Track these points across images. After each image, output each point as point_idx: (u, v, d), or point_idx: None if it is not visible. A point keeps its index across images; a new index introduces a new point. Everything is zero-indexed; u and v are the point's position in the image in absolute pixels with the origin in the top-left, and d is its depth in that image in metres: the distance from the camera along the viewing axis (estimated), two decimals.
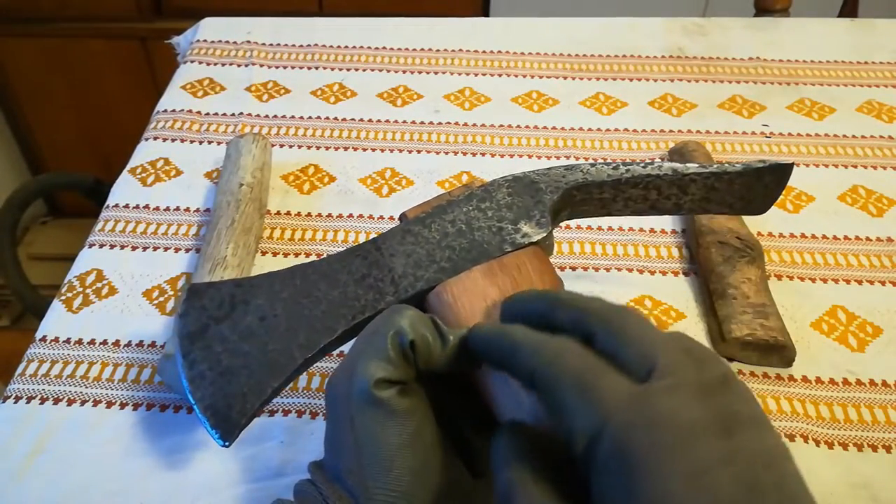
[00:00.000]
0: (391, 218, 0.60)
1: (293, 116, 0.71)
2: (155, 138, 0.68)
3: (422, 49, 0.81)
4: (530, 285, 0.35)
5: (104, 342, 0.50)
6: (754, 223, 0.57)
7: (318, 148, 0.67)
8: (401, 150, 0.67)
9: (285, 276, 0.37)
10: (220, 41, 0.81)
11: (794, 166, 0.45)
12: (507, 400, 0.30)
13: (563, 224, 0.47)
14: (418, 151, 0.67)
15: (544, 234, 0.38)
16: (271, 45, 0.81)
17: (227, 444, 0.33)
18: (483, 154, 0.67)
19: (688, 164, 0.43)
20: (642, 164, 0.42)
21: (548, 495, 0.23)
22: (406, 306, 0.30)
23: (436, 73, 0.77)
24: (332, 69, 0.78)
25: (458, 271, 0.36)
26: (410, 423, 0.28)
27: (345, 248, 0.38)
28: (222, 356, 0.34)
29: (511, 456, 0.25)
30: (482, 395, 0.32)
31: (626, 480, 0.21)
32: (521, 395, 0.29)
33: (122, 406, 0.46)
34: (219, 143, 0.67)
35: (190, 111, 0.71)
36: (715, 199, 0.44)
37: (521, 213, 0.39)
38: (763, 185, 0.44)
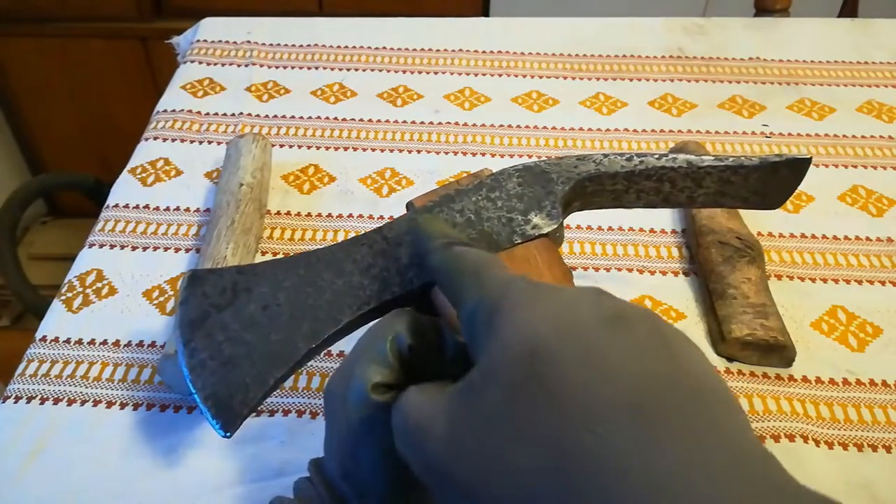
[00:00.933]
0: (391, 218, 0.59)
1: (293, 116, 0.71)
2: (155, 138, 0.68)
3: (422, 49, 0.81)
4: (540, 278, 0.35)
5: (104, 342, 0.50)
6: (754, 223, 0.57)
7: (318, 148, 0.67)
8: (401, 150, 0.67)
9: (289, 264, 0.36)
10: (220, 41, 0.81)
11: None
12: None
13: (563, 223, 0.46)
14: (418, 151, 0.67)
15: (555, 226, 0.37)
16: (271, 45, 0.81)
17: (228, 434, 0.32)
18: (483, 154, 0.67)
19: (703, 157, 0.42)
20: (656, 156, 0.41)
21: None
22: (408, 310, 0.30)
23: (436, 73, 0.77)
24: (332, 69, 0.78)
25: None
26: None
27: (349, 238, 0.38)
28: (224, 345, 0.33)
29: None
30: None
31: (492, 327, 0.23)
32: None
33: (122, 406, 0.46)
34: (219, 143, 0.67)
35: (190, 111, 0.71)
36: (730, 193, 0.43)
37: (531, 204, 0.38)
38: (779, 179, 0.43)
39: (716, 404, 0.19)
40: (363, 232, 0.59)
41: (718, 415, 0.19)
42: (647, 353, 0.20)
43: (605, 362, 0.20)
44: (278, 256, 0.56)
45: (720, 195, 0.43)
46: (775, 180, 0.43)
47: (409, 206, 0.41)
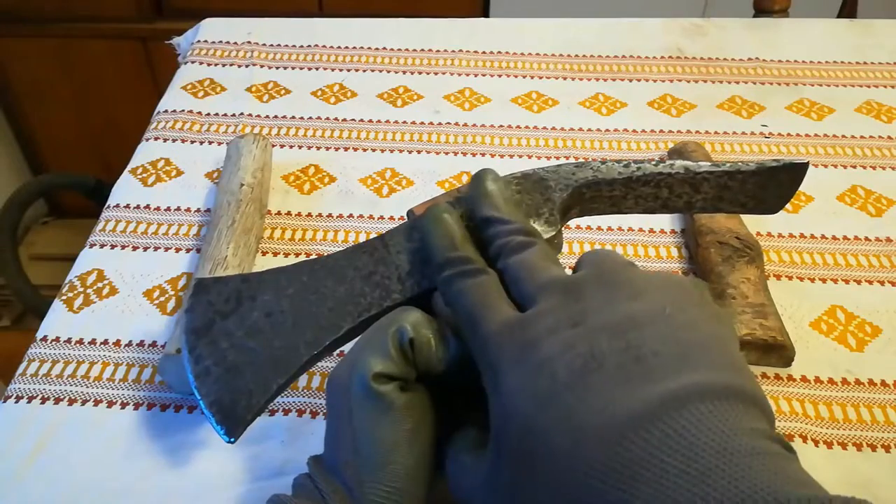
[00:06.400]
0: (391, 218, 0.60)
1: (294, 117, 0.71)
2: (156, 139, 0.68)
3: (422, 49, 0.81)
4: None
5: (105, 342, 0.50)
6: (753, 223, 0.57)
7: (318, 148, 0.67)
8: (401, 151, 0.67)
9: (292, 271, 0.37)
10: (220, 42, 0.81)
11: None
12: None
13: (562, 230, 0.47)
14: (418, 152, 0.67)
15: (554, 233, 0.38)
16: (272, 45, 0.81)
17: (232, 440, 0.33)
18: (483, 154, 0.67)
19: (700, 163, 0.42)
20: (653, 162, 0.42)
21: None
22: (414, 308, 0.31)
23: (436, 73, 0.78)
24: (333, 70, 0.78)
25: None
26: (408, 420, 0.29)
27: (351, 245, 0.38)
28: (228, 352, 0.34)
29: None
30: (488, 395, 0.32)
31: (491, 388, 0.25)
32: None
33: (123, 406, 0.46)
34: (219, 144, 0.67)
35: (190, 111, 0.71)
36: (727, 199, 0.43)
37: (530, 211, 0.38)
38: (777, 184, 0.43)
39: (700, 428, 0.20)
40: (363, 232, 0.59)
41: (707, 454, 0.20)
42: (618, 401, 0.21)
43: (580, 430, 0.21)
44: (279, 256, 0.56)
45: (718, 200, 0.43)
46: (773, 185, 0.43)
47: (410, 213, 0.41)
